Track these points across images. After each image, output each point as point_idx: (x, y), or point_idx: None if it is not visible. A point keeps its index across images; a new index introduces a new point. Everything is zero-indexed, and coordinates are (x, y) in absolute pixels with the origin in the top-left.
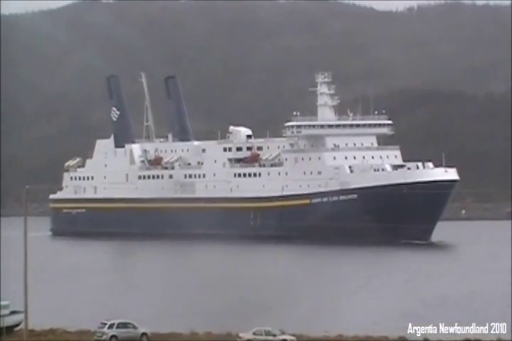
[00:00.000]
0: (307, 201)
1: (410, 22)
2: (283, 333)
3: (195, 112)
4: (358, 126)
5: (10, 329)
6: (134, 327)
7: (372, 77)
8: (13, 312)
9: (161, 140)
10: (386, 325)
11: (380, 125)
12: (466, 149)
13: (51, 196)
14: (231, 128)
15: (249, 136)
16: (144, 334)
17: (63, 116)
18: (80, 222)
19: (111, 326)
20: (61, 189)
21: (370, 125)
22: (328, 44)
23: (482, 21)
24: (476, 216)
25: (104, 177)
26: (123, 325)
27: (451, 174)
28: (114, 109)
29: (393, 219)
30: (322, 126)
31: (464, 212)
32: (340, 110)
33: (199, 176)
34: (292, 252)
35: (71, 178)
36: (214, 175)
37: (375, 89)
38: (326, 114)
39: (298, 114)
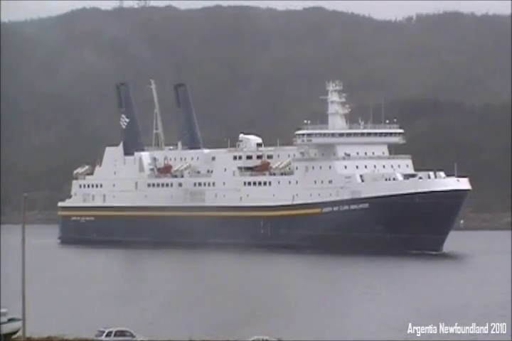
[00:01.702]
0: (318, 210)
1: (409, 32)
2: None
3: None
4: (369, 134)
5: (8, 336)
6: (132, 335)
7: (371, 86)
8: (11, 320)
9: (171, 148)
10: (383, 334)
11: (391, 134)
12: (465, 159)
13: (60, 204)
14: (241, 136)
15: (259, 145)
16: None
17: (63, 123)
18: (89, 230)
19: (108, 334)
20: (70, 196)
21: (381, 134)
22: (327, 53)
23: (481, 31)
24: (475, 226)
25: (113, 185)
26: (120, 333)
27: (463, 184)
28: (123, 116)
29: (405, 229)
30: (333, 135)
31: (462, 222)
32: (349, 119)
33: (209, 184)
34: (302, 261)
35: (80, 186)
36: (224, 183)
37: (374, 99)
38: (336, 123)
39: (308, 122)
